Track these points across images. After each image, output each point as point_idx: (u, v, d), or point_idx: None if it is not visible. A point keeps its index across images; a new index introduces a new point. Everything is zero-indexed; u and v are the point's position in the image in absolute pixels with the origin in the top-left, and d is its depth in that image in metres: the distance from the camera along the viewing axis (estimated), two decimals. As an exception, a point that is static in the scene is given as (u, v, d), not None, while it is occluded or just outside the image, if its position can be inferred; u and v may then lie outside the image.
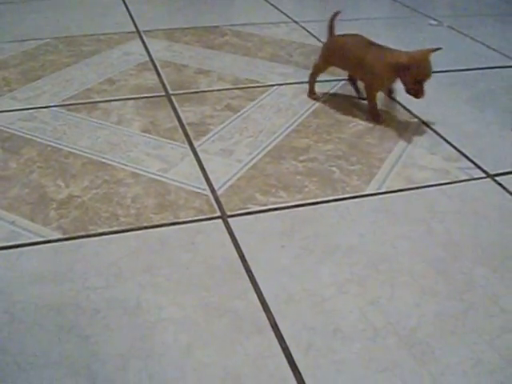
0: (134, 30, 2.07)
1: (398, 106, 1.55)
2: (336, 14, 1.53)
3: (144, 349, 0.83)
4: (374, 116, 1.46)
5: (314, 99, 1.57)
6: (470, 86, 1.69)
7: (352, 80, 1.61)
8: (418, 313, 0.91)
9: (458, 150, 1.35)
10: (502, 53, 1.97)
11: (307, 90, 1.60)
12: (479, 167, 1.29)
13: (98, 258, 0.99)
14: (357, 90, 1.60)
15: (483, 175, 1.27)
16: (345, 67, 1.54)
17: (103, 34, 2.01)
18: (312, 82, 1.59)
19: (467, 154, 1.34)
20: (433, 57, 1.35)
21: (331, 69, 1.59)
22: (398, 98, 1.58)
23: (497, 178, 1.26)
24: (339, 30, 1.54)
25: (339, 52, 1.49)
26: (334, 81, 1.68)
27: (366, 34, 1.48)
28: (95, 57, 1.82)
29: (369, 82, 1.45)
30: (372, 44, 1.44)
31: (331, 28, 1.54)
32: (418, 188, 1.21)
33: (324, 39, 2.00)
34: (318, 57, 1.58)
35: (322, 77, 1.67)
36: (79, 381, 0.78)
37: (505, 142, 1.41)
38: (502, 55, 1.95)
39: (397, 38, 2.06)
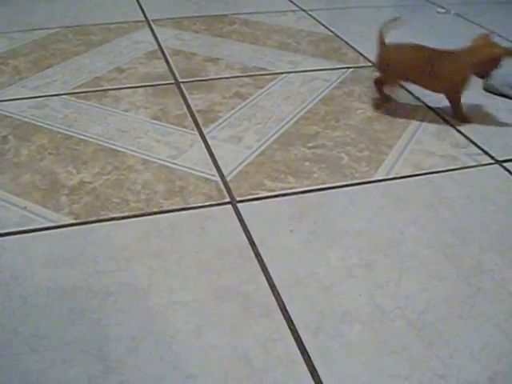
0: (143, 18, 2.08)
1: (406, 93, 1.55)
2: (392, 21, 1.44)
3: (155, 331, 0.84)
4: (463, 119, 1.44)
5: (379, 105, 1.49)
6: (478, 73, 1.69)
7: (379, 85, 1.49)
8: (426, 297, 0.92)
9: (466, 137, 1.35)
10: (510, 40, 1.96)
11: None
12: (487, 153, 1.30)
13: (109, 243, 1.00)
14: (383, 95, 1.50)
15: (491, 161, 1.27)
16: (414, 80, 1.44)
17: (112, 23, 2.02)
18: (380, 91, 1.50)
19: (475, 140, 1.34)
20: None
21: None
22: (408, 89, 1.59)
23: (505, 164, 1.26)
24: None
25: (403, 65, 1.41)
26: (343, 68, 1.68)
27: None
28: (104, 45, 1.83)
29: (454, 89, 1.41)
30: (434, 51, 1.39)
31: (382, 37, 1.43)
32: (426, 174, 1.22)
33: (333, 28, 2.00)
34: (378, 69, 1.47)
35: (330, 64, 1.68)
36: (91, 363, 0.79)
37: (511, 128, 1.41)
38: (510, 42, 1.94)
39: (404, 25, 2.06)
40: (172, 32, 1.95)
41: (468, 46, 1.38)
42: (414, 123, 1.40)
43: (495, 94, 1.57)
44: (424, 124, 1.40)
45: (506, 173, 1.23)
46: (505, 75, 1.56)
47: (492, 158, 1.28)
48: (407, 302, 0.90)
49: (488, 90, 1.59)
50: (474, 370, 0.80)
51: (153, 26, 2.01)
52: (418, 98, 1.53)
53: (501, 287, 0.94)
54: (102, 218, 1.06)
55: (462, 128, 1.39)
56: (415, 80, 1.44)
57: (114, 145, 1.27)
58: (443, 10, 2.26)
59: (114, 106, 1.44)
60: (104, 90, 1.53)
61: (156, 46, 1.82)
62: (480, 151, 1.30)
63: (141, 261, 0.96)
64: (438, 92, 1.45)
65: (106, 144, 1.28)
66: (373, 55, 1.76)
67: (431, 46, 1.38)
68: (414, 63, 1.39)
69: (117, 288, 0.91)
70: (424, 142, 1.33)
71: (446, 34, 1.98)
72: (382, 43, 1.43)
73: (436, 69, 1.37)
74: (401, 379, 0.79)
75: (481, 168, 1.25)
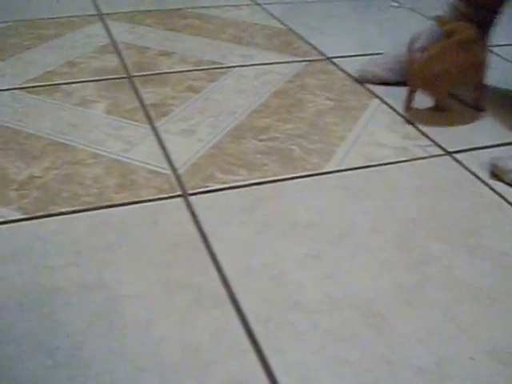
0: (96, 12, 2.06)
1: (358, 86, 1.56)
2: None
3: (104, 325, 0.83)
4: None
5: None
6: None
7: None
8: (375, 285, 0.93)
9: (417, 128, 1.37)
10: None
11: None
12: (438, 145, 1.31)
13: (58, 237, 0.99)
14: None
15: (442, 152, 1.29)
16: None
17: (65, 17, 1.99)
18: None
19: (426, 131, 1.36)
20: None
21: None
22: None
23: (455, 156, 1.28)
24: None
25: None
26: (296, 62, 1.69)
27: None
28: (56, 40, 1.80)
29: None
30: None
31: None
32: (377, 165, 1.23)
33: (287, 22, 2.01)
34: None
35: (283, 58, 1.68)
36: (39, 357, 0.78)
37: (463, 119, 1.43)
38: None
39: (357, 19, 2.07)
40: (125, 26, 1.93)
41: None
42: (366, 115, 1.42)
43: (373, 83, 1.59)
44: (376, 116, 1.42)
45: (457, 164, 1.25)
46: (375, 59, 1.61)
47: (443, 149, 1.30)
48: (356, 290, 0.91)
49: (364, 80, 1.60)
50: (421, 356, 0.82)
51: (106, 20, 1.99)
52: (370, 91, 1.54)
53: (448, 274, 0.96)
54: (51, 212, 1.05)
55: (413, 120, 1.41)
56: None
57: (64, 139, 1.26)
58: (397, 4, 2.29)
59: (66, 101, 1.42)
60: (55, 85, 1.51)
61: (109, 40, 1.81)
62: (431, 142, 1.32)
63: (90, 255, 0.95)
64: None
65: (56, 139, 1.26)
66: (326, 48, 1.78)
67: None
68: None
69: (66, 282, 0.90)
70: (375, 133, 1.34)
71: (400, 28, 2.00)
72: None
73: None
74: (349, 366, 0.80)
75: (432, 159, 1.27)
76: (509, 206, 1.13)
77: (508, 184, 1.19)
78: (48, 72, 1.58)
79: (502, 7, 1.45)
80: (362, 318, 0.87)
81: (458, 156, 1.28)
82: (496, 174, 1.21)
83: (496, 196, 1.16)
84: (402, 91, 1.45)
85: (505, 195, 1.16)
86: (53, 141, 1.25)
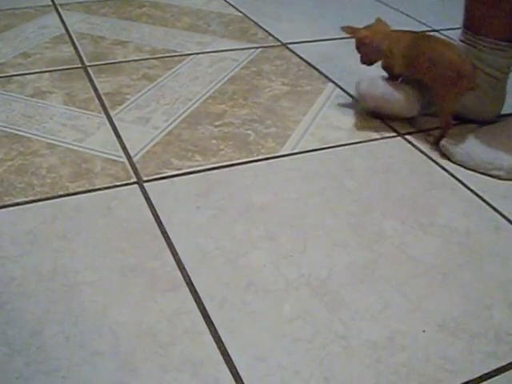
0: (50, 3, 2.04)
1: (313, 71, 1.58)
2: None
3: (60, 312, 0.84)
4: None
5: None
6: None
7: None
8: (329, 264, 0.94)
9: (372, 111, 1.39)
10: (414, 17, 2.02)
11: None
12: (391, 127, 1.33)
13: (13, 228, 0.98)
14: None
15: (394, 134, 1.31)
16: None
17: (18, 8, 1.97)
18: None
19: (378, 115, 1.38)
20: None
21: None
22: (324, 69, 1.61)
23: (407, 137, 1.30)
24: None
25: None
26: (251, 48, 1.69)
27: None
28: (10, 31, 1.78)
29: None
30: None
31: None
32: (331, 148, 1.24)
33: (243, 9, 2.01)
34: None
35: (239, 45, 1.69)
36: (-5, 346, 0.79)
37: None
38: (414, 20, 2.00)
39: (313, 5, 2.08)
40: (80, 16, 1.92)
41: None
42: (321, 99, 1.43)
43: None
44: (331, 100, 1.43)
45: (409, 145, 1.27)
46: None
47: (395, 130, 1.32)
48: (311, 269, 0.93)
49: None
50: (374, 330, 0.84)
51: (60, 10, 1.97)
52: (325, 76, 1.56)
53: (401, 251, 0.98)
54: (5, 203, 1.04)
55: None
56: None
57: (18, 130, 1.25)
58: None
59: (19, 92, 1.41)
60: (8, 76, 1.49)
61: (63, 31, 1.79)
62: (384, 124, 1.34)
63: (46, 244, 0.95)
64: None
65: (10, 130, 1.25)
66: (281, 34, 1.79)
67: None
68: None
69: (21, 272, 0.90)
70: (330, 117, 1.35)
71: (355, 14, 2.01)
72: None
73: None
74: (304, 343, 0.81)
75: (384, 140, 1.29)
76: (459, 184, 1.15)
77: (456, 164, 1.22)
78: (1, 64, 1.56)
79: None
80: (317, 296, 0.88)
81: (409, 137, 1.30)
82: (446, 155, 1.24)
83: (447, 175, 1.18)
84: (356, 76, 1.47)
85: (455, 174, 1.18)
86: (6, 132, 1.24)
